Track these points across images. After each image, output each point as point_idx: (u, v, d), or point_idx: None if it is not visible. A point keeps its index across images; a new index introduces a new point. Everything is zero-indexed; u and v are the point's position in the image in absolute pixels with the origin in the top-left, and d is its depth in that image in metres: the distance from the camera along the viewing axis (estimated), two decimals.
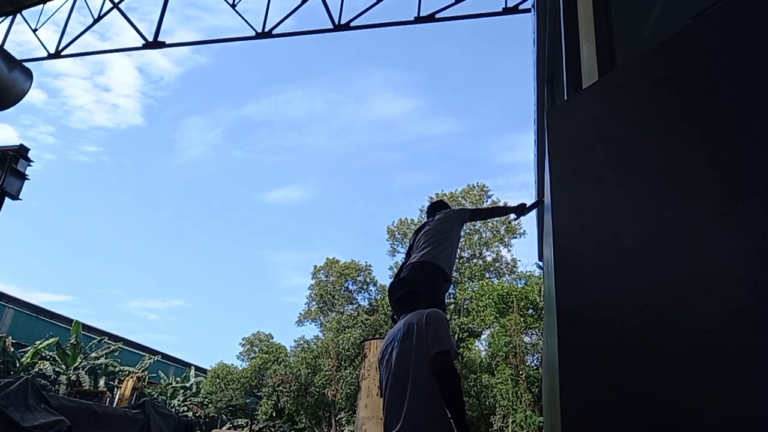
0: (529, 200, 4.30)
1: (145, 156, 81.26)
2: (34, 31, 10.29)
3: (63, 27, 10.00)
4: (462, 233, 4.38)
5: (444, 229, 3.83)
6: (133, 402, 20.59)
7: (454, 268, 4.23)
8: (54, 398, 9.80)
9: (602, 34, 2.05)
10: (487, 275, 26.25)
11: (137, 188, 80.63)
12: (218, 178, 77.28)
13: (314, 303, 31.74)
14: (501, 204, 27.55)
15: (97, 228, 78.79)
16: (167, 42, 9.45)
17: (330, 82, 71.26)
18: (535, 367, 19.58)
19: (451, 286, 4.43)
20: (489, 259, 27.35)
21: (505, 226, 27.34)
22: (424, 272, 3.50)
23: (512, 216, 4.28)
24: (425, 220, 4.20)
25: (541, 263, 12.17)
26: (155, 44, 9.28)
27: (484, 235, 27.32)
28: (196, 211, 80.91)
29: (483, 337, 23.94)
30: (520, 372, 18.91)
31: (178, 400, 31.29)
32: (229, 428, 30.42)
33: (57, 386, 24.35)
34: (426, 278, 3.40)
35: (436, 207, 4.32)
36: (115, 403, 22.03)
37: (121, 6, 9.61)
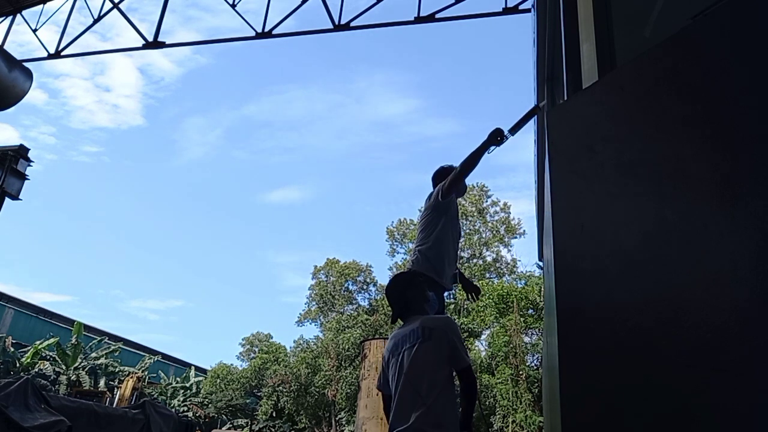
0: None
1: (145, 156, 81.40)
2: (34, 31, 10.29)
3: (63, 27, 10.01)
4: (461, 225, 3.75)
5: (428, 224, 3.56)
6: (133, 402, 20.60)
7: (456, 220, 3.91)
8: (54, 398, 9.80)
9: (602, 34, 2.05)
10: (487, 275, 26.25)
11: (138, 188, 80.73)
12: (219, 179, 77.39)
13: (314, 303, 31.76)
14: (501, 203, 27.50)
15: (97, 228, 78.89)
16: (167, 42, 9.46)
17: (330, 82, 71.37)
18: (535, 367, 19.59)
19: (452, 286, 4.07)
20: (489, 259, 27.35)
21: (505, 226, 27.34)
22: (411, 284, 3.39)
23: (492, 148, 3.43)
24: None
25: (541, 263, 12.18)
26: (155, 44, 9.28)
27: (484, 235, 27.32)
28: (197, 212, 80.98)
29: (483, 337, 23.94)
30: (520, 372, 18.92)
31: (178, 400, 31.29)
32: (229, 428, 30.41)
33: (57, 386, 24.35)
34: (417, 290, 3.17)
35: (434, 179, 3.80)
36: (115, 404, 22.04)
37: (121, 6, 9.61)
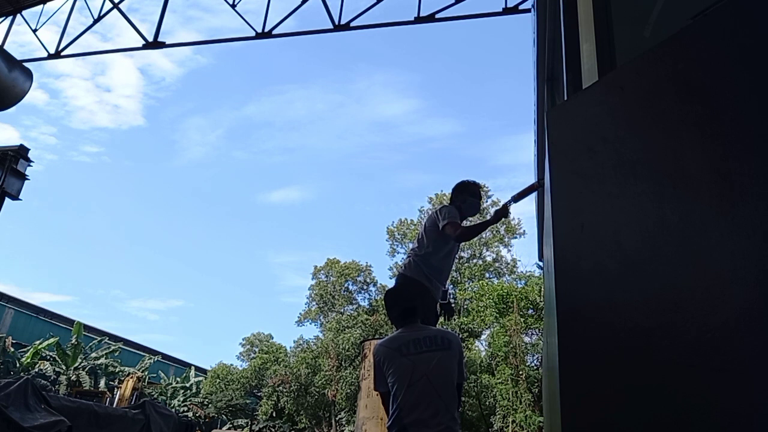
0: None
1: (146, 156, 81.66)
2: (34, 31, 10.29)
3: (63, 27, 10.00)
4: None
5: (426, 234, 3.69)
6: (133, 402, 20.56)
7: (453, 267, 4.08)
8: (54, 398, 9.78)
9: (602, 34, 2.05)
10: (487, 275, 26.25)
11: (138, 189, 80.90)
12: (219, 179, 77.54)
13: (314, 303, 31.75)
14: (501, 203, 27.50)
15: (97, 228, 78.99)
16: (168, 42, 9.46)
17: (331, 82, 71.53)
18: (535, 367, 19.58)
19: (450, 288, 4.20)
20: (489, 259, 27.34)
21: (504, 225, 27.33)
22: (408, 288, 3.45)
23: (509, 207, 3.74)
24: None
25: (541, 263, 12.17)
26: (155, 44, 9.28)
27: (484, 235, 27.29)
28: (197, 212, 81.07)
29: (483, 337, 23.94)
30: (520, 372, 18.91)
31: (178, 401, 31.29)
32: (229, 428, 30.41)
33: (57, 386, 24.34)
34: (412, 294, 3.29)
35: (453, 190, 3.95)
36: (115, 404, 22.02)
37: (122, 6, 9.61)
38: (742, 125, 1.21)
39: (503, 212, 3.70)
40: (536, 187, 3.95)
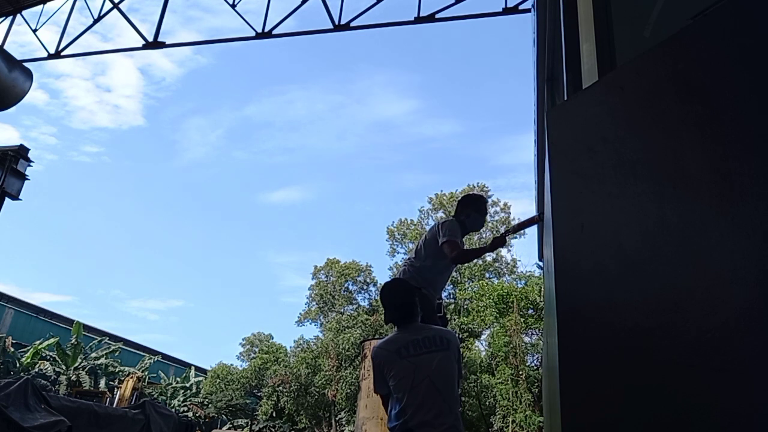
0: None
1: (146, 157, 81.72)
2: (35, 31, 10.29)
3: (63, 27, 10.00)
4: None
5: (426, 246, 3.71)
6: (133, 402, 20.56)
7: (454, 267, 4.10)
8: (54, 398, 9.78)
9: (602, 34, 2.05)
10: (487, 275, 26.25)
11: (138, 189, 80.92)
12: (219, 179, 77.60)
13: (314, 303, 31.74)
14: (501, 203, 27.52)
15: (97, 228, 79.04)
16: (168, 42, 9.46)
17: (331, 83, 71.61)
18: (535, 367, 19.59)
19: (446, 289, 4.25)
20: (489, 259, 27.33)
21: (505, 226, 27.33)
22: (407, 286, 3.48)
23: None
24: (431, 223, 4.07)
25: (541, 263, 12.17)
26: (155, 44, 9.28)
27: (484, 236, 27.30)
28: (197, 212, 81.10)
29: (483, 337, 23.94)
30: (520, 372, 18.92)
31: (178, 401, 31.30)
32: (229, 428, 30.42)
33: (57, 386, 24.34)
34: (412, 292, 3.36)
35: (459, 202, 4.00)
36: (115, 404, 22.02)
37: (122, 7, 9.61)
38: (742, 125, 1.21)
39: (501, 242, 3.83)
40: (536, 221, 3.97)
